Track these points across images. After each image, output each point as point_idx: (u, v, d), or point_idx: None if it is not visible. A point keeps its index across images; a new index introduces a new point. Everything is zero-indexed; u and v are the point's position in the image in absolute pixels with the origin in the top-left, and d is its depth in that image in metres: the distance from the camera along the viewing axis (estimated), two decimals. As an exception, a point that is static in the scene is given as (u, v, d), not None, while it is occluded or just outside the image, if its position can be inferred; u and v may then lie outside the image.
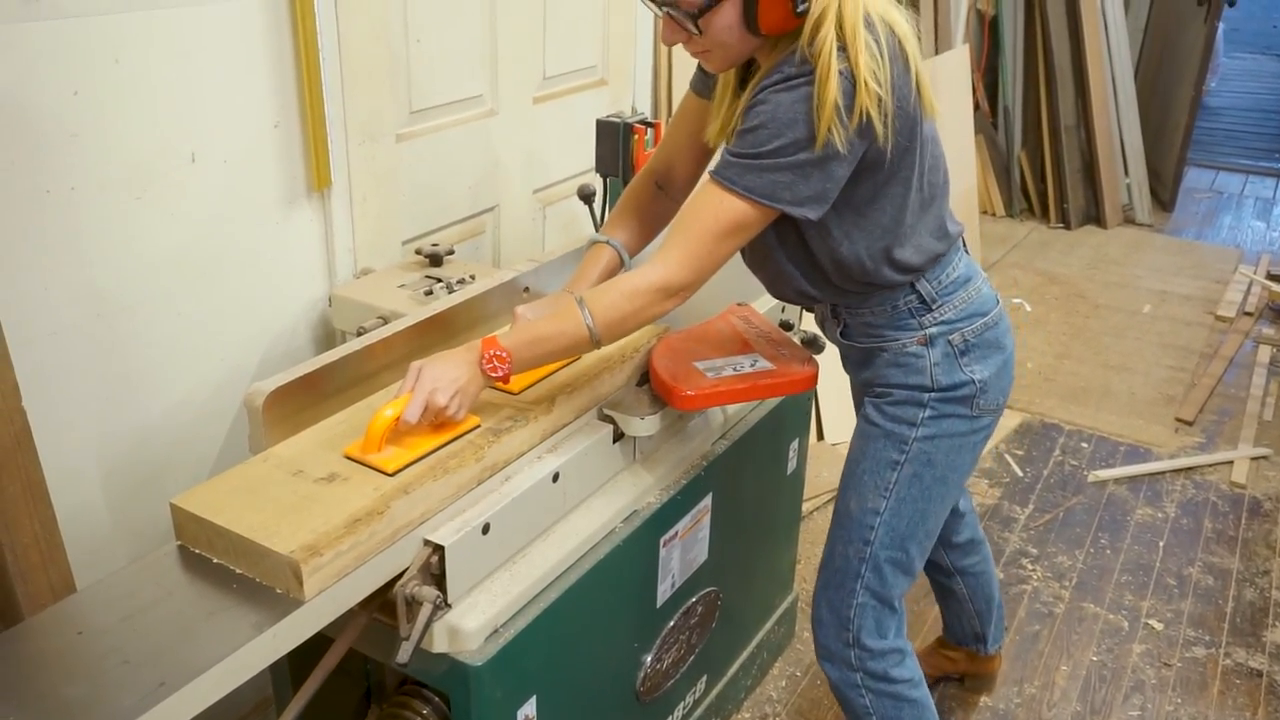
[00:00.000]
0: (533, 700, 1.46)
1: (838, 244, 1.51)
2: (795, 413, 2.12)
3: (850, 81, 1.33)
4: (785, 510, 2.22)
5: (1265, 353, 3.90)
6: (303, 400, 1.48)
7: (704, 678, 2.00)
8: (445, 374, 1.39)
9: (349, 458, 1.36)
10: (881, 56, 1.35)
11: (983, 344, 1.59)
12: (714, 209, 1.41)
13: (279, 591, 1.18)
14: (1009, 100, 5.26)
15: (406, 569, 1.31)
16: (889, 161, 1.42)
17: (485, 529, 1.37)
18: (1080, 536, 2.83)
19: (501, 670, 1.38)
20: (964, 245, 1.65)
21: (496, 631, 1.38)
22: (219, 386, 1.86)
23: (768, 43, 1.42)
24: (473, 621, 1.34)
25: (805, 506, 2.64)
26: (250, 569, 1.21)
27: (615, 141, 2.25)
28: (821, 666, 1.77)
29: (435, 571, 1.33)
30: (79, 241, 1.58)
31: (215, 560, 1.23)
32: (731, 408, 1.87)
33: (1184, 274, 4.70)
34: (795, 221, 1.46)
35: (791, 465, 2.17)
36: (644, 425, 1.59)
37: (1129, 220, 5.39)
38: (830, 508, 2.89)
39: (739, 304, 1.85)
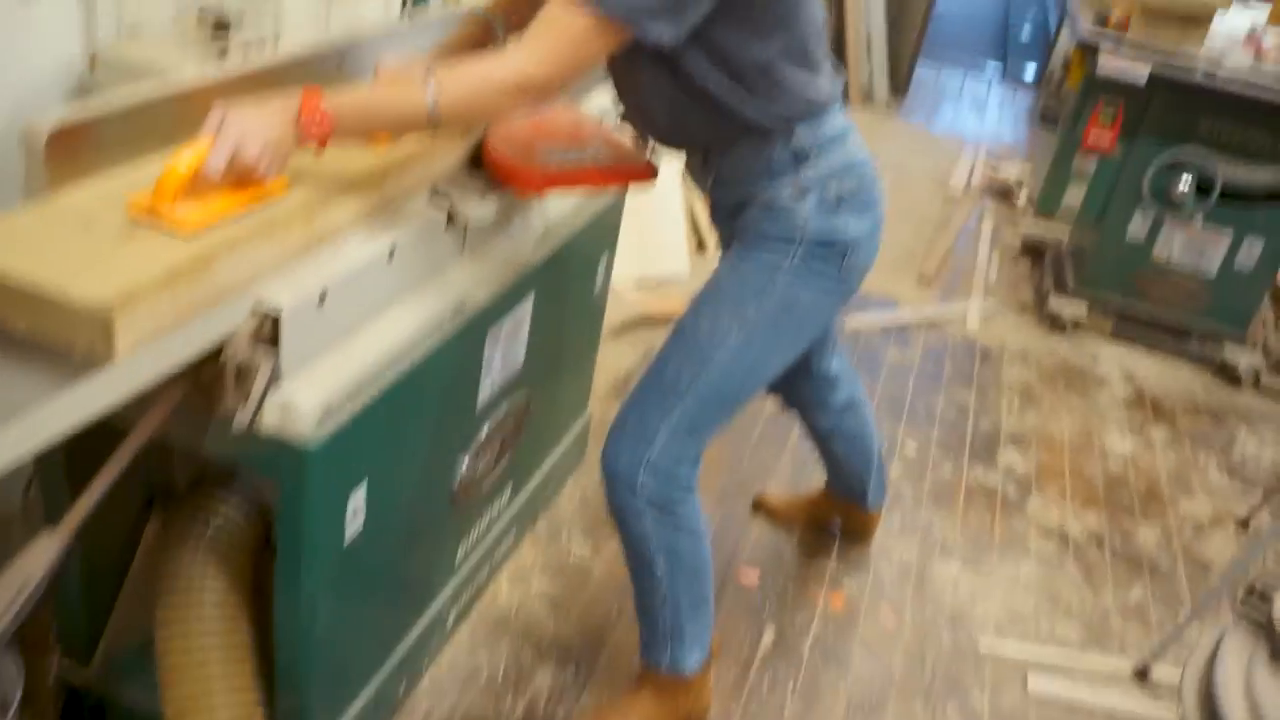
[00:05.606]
0: (362, 489, 1.36)
1: (729, 47, 1.41)
2: (606, 229, 2.07)
3: None
4: (589, 328, 2.20)
5: (988, 225, 4.29)
6: (88, 145, 1.24)
7: (509, 485, 1.96)
8: (256, 125, 1.21)
9: (135, 215, 1.14)
10: None
11: (856, 202, 1.55)
12: (567, 22, 1.29)
13: (82, 352, 0.99)
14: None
15: (230, 338, 1.16)
16: None
17: (322, 298, 1.23)
18: (840, 376, 3.02)
19: (335, 455, 1.27)
20: (842, 104, 1.59)
21: (329, 413, 1.25)
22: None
23: None
24: (308, 399, 1.21)
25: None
26: (38, 325, 0.99)
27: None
28: (605, 482, 1.64)
29: (266, 339, 1.18)
30: None
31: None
32: (552, 214, 1.79)
33: (917, 154, 5.05)
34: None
35: (598, 283, 2.13)
36: (482, 207, 1.49)
37: (868, 99, 5.70)
38: (628, 335, 2.91)
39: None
